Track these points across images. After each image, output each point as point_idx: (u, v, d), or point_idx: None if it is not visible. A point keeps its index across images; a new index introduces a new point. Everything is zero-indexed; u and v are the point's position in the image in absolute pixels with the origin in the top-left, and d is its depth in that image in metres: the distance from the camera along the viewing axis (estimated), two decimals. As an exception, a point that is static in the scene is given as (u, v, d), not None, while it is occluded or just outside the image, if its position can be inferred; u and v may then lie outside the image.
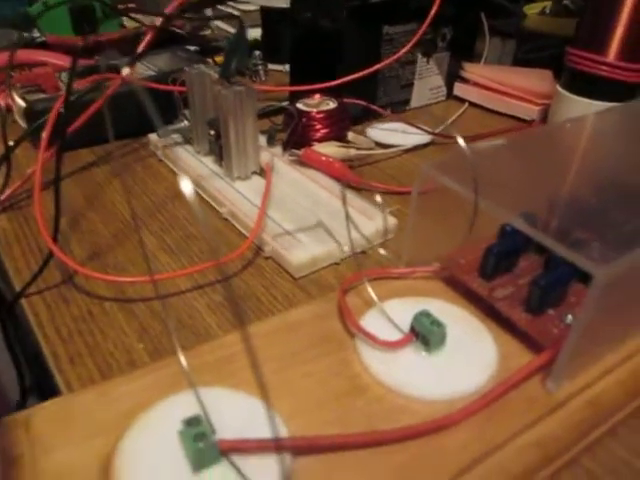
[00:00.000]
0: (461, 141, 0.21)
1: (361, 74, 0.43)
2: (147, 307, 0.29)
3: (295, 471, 0.19)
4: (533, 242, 0.26)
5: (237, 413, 0.20)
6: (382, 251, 0.27)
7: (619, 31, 0.41)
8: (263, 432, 0.19)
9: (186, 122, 0.41)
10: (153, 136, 0.44)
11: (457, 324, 0.24)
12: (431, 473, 0.19)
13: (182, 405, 0.20)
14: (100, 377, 0.25)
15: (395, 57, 0.45)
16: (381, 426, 0.20)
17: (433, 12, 0.44)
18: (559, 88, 0.46)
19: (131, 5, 0.75)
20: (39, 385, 0.46)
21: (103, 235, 0.35)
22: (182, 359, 0.20)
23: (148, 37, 0.41)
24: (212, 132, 0.38)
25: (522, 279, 0.26)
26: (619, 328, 0.23)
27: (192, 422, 0.18)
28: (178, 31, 0.47)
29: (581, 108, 0.44)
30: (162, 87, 0.41)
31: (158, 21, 0.46)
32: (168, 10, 0.41)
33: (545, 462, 0.21)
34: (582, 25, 0.44)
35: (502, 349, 0.24)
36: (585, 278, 0.24)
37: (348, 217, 0.28)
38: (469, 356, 0.23)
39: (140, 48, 0.41)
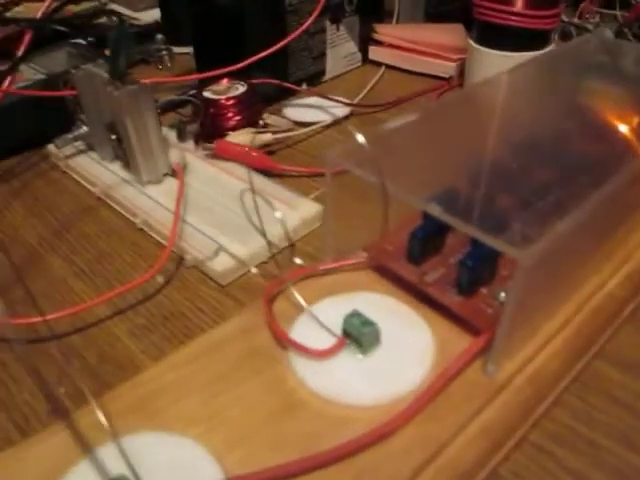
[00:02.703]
0: (361, 138, 0.19)
1: (269, 51, 0.40)
2: (64, 344, 0.26)
3: (235, 514, 0.17)
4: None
5: (167, 458, 0.19)
6: (298, 260, 0.25)
7: (523, -23, 0.40)
8: (194, 475, 0.18)
9: (85, 127, 0.38)
10: (52, 146, 0.40)
11: (390, 318, 0.23)
12: (383, 484, 0.18)
13: (107, 460, 0.18)
14: (19, 435, 0.22)
15: (303, 28, 0.43)
16: (324, 442, 0.19)
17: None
18: (471, 42, 0.45)
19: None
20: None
21: (6, 266, 0.32)
22: (99, 414, 0.18)
23: (27, 37, 0.37)
24: (113, 136, 0.35)
25: (452, 258, 0.25)
26: (550, 299, 0.23)
27: (115, 483, 0.17)
28: (58, 28, 0.43)
29: (495, 60, 0.44)
30: (50, 93, 0.37)
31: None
32: (47, 3, 0.37)
33: (495, 449, 0.21)
34: (486, -26, 0.43)
35: (439, 337, 0.23)
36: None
37: (258, 211, 0.26)
38: (406, 351, 0.22)
39: (20, 51, 0.37)
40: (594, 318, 0.25)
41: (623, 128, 0.31)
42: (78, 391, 0.24)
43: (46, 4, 0.37)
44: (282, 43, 0.41)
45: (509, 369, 0.22)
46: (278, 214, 0.30)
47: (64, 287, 0.30)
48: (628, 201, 0.27)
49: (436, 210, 0.20)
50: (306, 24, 0.42)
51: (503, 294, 0.23)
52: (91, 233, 0.34)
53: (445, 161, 0.28)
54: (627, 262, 0.27)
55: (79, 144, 0.40)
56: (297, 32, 0.42)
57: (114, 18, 0.54)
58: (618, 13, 0.52)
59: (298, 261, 0.26)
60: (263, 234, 0.28)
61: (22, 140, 0.41)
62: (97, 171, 0.37)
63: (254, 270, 0.30)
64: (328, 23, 0.49)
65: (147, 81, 0.33)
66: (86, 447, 0.19)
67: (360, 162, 0.22)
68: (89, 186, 0.37)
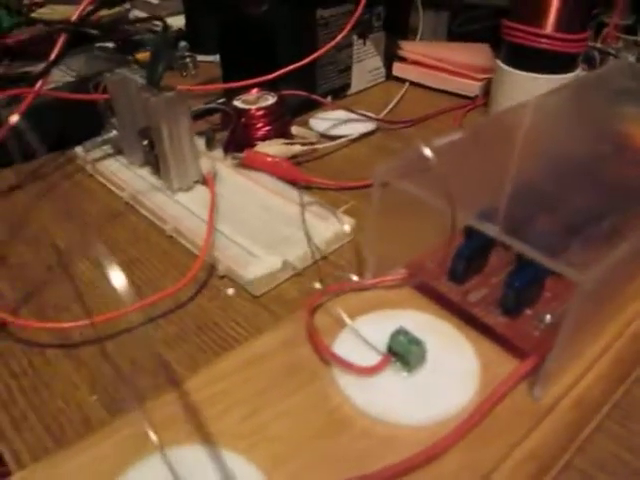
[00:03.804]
0: (428, 152, 0.19)
1: (301, 63, 0.40)
2: (97, 350, 0.26)
3: (286, 533, 0.17)
4: (500, 237, 0.25)
5: (210, 473, 0.18)
6: (343, 274, 0.25)
7: (554, 1, 0.40)
8: (245, 491, 0.18)
9: (115, 131, 0.38)
10: (80, 149, 0.40)
11: (434, 337, 0.23)
12: (430, 511, 0.18)
13: (150, 473, 0.18)
14: (53, 443, 0.22)
15: (335, 41, 0.43)
16: (370, 462, 0.19)
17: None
18: (499, 63, 0.45)
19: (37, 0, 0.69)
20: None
21: (35, 270, 0.31)
22: (147, 427, 0.18)
23: (61, 40, 0.37)
24: (145, 142, 0.35)
25: (494, 277, 0.25)
26: (598, 323, 0.23)
27: (166, 499, 0.16)
28: (91, 31, 0.43)
29: (523, 81, 0.44)
30: (84, 97, 0.37)
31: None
32: (83, 6, 0.37)
33: (542, 473, 0.20)
34: (517, -4, 0.43)
35: (483, 358, 0.23)
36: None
37: (305, 224, 0.26)
38: (451, 371, 0.22)
39: (54, 54, 0.37)
40: (634, 343, 0.24)
41: (658, 154, 0.31)
42: (112, 400, 0.24)
43: (81, 7, 0.37)
44: (313, 56, 0.41)
45: (555, 393, 0.21)
46: (312, 230, 0.30)
47: (95, 292, 0.29)
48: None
49: (494, 230, 0.20)
50: (338, 37, 0.42)
51: (549, 316, 0.23)
52: (120, 238, 0.33)
53: (485, 182, 0.27)
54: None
55: (107, 148, 0.40)
56: (329, 45, 0.42)
57: (157, 23, 0.53)
58: (640, 39, 0.53)
59: (346, 275, 0.25)
60: (297, 247, 0.28)
61: (50, 142, 0.41)
62: (126, 176, 0.37)
63: (287, 287, 0.29)
64: (356, 37, 0.49)
65: (183, 88, 0.33)
66: (126, 457, 0.19)
67: (409, 176, 0.22)
68: (117, 191, 0.37)
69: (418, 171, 0.21)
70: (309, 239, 0.25)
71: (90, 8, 0.38)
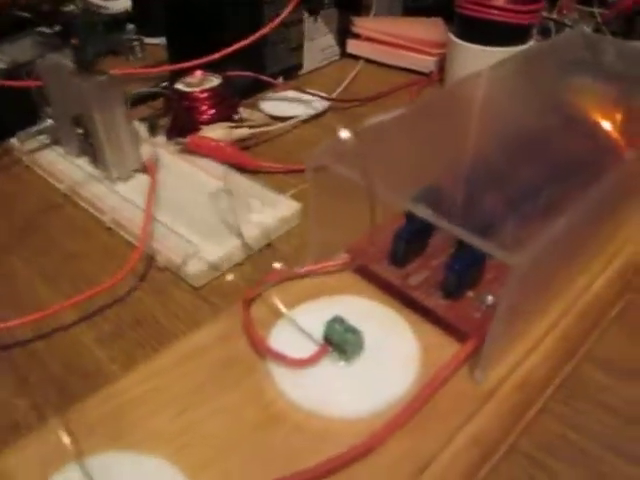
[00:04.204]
0: (345, 134, 0.18)
1: (247, 42, 0.39)
2: (26, 351, 0.25)
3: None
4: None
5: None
6: (277, 265, 0.24)
7: (505, -29, 0.39)
8: (169, 496, 0.17)
9: (50, 120, 0.36)
10: (15, 140, 0.38)
11: (374, 323, 0.22)
12: (365, 505, 0.17)
13: (69, 482, 0.17)
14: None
15: (281, 17, 0.41)
16: (305, 458, 0.18)
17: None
18: (452, 36, 0.44)
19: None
20: None
21: (-35, 268, 0.30)
22: (64, 436, 0.17)
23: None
24: (80, 130, 0.33)
25: (435, 259, 0.24)
26: (537, 302, 0.22)
27: (76, 513, 0.15)
28: (24, 15, 0.40)
29: (476, 55, 0.43)
30: (13, 84, 0.35)
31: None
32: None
33: (484, 459, 0.20)
34: (467, -33, 0.42)
35: (424, 342, 0.22)
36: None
37: (235, 212, 0.25)
38: (390, 358, 0.21)
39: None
40: (581, 321, 0.24)
41: (607, 125, 0.31)
42: (38, 402, 0.23)
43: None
44: (260, 32, 0.39)
45: (497, 375, 0.21)
46: (255, 217, 0.29)
47: (28, 291, 0.28)
48: (615, 199, 0.26)
49: (426, 212, 0.19)
50: (284, 13, 0.41)
51: (490, 297, 0.22)
52: (57, 232, 0.32)
53: (428, 159, 0.27)
54: (615, 258, 0.26)
55: (43, 138, 0.38)
56: (274, 22, 0.41)
57: (80, 5, 0.51)
58: (596, 10, 0.52)
59: (277, 265, 0.24)
60: (239, 235, 0.27)
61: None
62: (63, 166, 0.35)
63: (230, 277, 0.28)
64: (306, 15, 0.47)
65: (116, 72, 0.31)
66: (47, 466, 0.18)
67: (343, 159, 0.21)
68: (55, 182, 0.35)
69: (342, 154, 0.19)
70: (239, 228, 0.24)
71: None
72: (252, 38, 0.39)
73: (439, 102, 0.30)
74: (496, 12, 0.40)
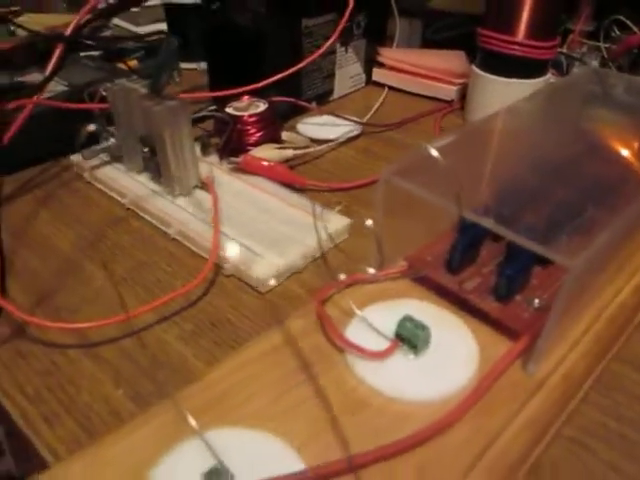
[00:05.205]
0: (434, 152, 0.21)
1: (291, 70, 0.42)
2: (116, 348, 0.27)
3: (320, 500, 0.19)
4: (490, 231, 0.28)
5: (247, 451, 0.20)
6: (371, 269, 0.27)
7: (526, 11, 0.43)
8: (276, 466, 0.20)
9: (113, 140, 0.39)
10: (76, 157, 0.41)
11: (436, 322, 0.25)
12: (447, 471, 0.20)
13: (189, 455, 0.20)
14: (85, 435, 0.23)
15: (323, 49, 0.45)
16: (389, 436, 0.21)
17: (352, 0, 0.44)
18: (474, 68, 0.48)
19: (14, 8, 0.69)
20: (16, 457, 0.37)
21: (44, 275, 0.32)
22: (183, 408, 0.20)
23: (59, 50, 0.38)
24: (146, 149, 0.36)
25: (486, 268, 0.27)
26: (579, 307, 0.25)
27: (212, 474, 0.18)
28: (87, 42, 0.44)
29: (497, 85, 0.47)
30: (84, 106, 0.38)
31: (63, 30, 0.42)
32: (79, 17, 0.38)
33: (536, 440, 0.23)
34: (490, 6, 0.46)
35: (480, 340, 0.25)
36: (542, 261, 0.26)
37: (317, 228, 0.28)
38: (453, 352, 0.24)
39: (52, 64, 0.38)
40: (610, 325, 0.27)
41: (626, 152, 0.34)
42: (137, 393, 0.25)
43: (78, 18, 0.38)
44: (303, 63, 0.43)
45: (545, 369, 0.24)
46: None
47: (106, 294, 0.31)
48: (637, 221, 0.30)
49: (490, 223, 0.22)
50: (325, 46, 0.44)
51: (537, 300, 0.25)
52: (125, 243, 0.35)
53: (472, 182, 0.30)
54: (635, 274, 0.30)
55: (103, 156, 0.41)
56: (317, 53, 0.44)
57: (127, 26, 0.55)
58: (602, 45, 0.57)
59: (342, 276, 0.27)
60: (320, 243, 0.30)
61: (46, 151, 0.42)
62: (125, 182, 0.38)
63: (291, 284, 0.31)
64: (338, 45, 0.51)
65: (184, 97, 0.34)
66: (163, 442, 0.20)
67: (409, 175, 0.24)
68: (117, 197, 0.38)
69: (423, 170, 0.23)
70: (319, 238, 0.27)
71: (87, 18, 0.39)
72: (296, 67, 0.43)
73: (473, 132, 0.34)
74: (517, 48, 0.44)
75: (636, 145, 0.35)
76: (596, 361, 0.26)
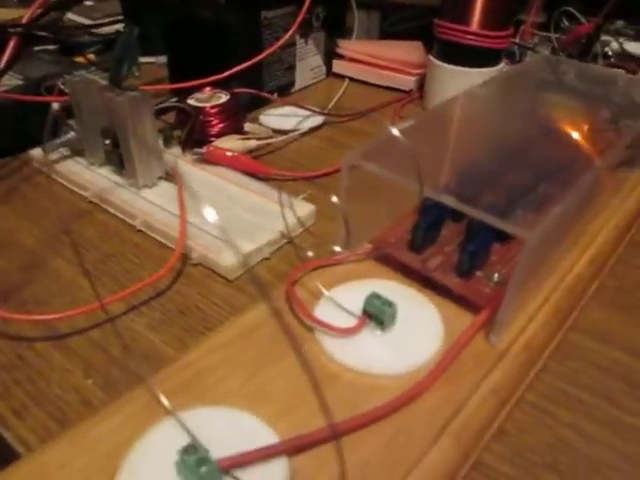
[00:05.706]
0: (396, 132, 0.22)
1: (250, 62, 0.43)
2: (84, 339, 0.27)
3: (295, 472, 0.19)
4: (450, 212, 0.29)
5: (221, 428, 0.20)
6: (309, 253, 0.27)
7: (480, 2, 0.44)
8: (252, 441, 0.20)
9: (73, 133, 0.39)
10: (36, 152, 0.40)
11: (401, 299, 0.26)
12: (418, 438, 0.21)
13: (165, 435, 0.20)
14: (57, 425, 0.23)
15: (282, 41, 0.45)
16: (360, 408, 0.21)
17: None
18: (432, 58, 0.49)
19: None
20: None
21: (9, 271, 0.32)
22: (156, 390, 0.20)
23: (13, 43, 0.37)
24: (107, 141, 0.36)
25: (447, 247, 0.28)
26: (538, 278, 0.26)
27: (188, 450, 0.18)
28: (42, 34, 0.43)
29: (454, 75, 0.48)
30: (41, 99, 0.37)
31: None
32: (32, 10, 0.37)
33: (501, 405, 0.24)
34: (445, -2, 0.47)
35: (444, 314, 0.26)
36: (501, 238, 0.28)
37: (284, 215, 0.29)
38: (419, 327, 0.25)
39: (5, 57, 0.37)
40: (568, 295, 0.29)
41: (576, 134, 0.36)
42: (106, 381, 0.25)
43: (31, 10, 0.37)
44: (263, 54, 0.43)
45: (507, 339, 0.25)
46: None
47: (74, 287, 0.30)
48: (588, 199, 0.31)
49: (452, 201, 0.23)
50: (285, 37, 0.45)
51: (497, 275, 0.26)
52: (90, 236, 0.34)
53: (432, 165, 0.31)
54: (589, 247, 0.31)
55: (63, 150, 0.40)
56: (276, 45, 0.45)
57: (82, 20, 0.54)
58: (553, 35, 0.59)
59: (310, 254, 0.28)
60: (286, 229, 0.31)
61: (3, 146, 0.41)
62: (87, 175, 0.38)
63: (259, 270, 0.31)
64: (298, 37, 0.51)
65: (146, 88, 0.34)
66: (140, 423, 0.20)
67: (373, 158, 0.25)
68: (80, 190, 0.38)
69: (386, 153, 0.23)
70: (286, 224, 0.28)
71: (40, 11, 0.38)
72: (258, 58, 0.43)
73: (431, 118, 0.35)
74: (472, 37, 0.46)
75: (586, 128, 0.36)
76: (555, 331, 0.27)
